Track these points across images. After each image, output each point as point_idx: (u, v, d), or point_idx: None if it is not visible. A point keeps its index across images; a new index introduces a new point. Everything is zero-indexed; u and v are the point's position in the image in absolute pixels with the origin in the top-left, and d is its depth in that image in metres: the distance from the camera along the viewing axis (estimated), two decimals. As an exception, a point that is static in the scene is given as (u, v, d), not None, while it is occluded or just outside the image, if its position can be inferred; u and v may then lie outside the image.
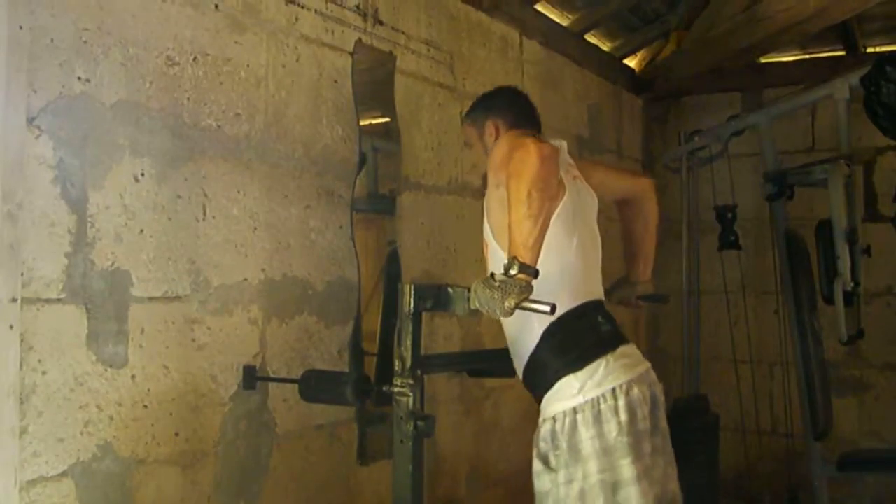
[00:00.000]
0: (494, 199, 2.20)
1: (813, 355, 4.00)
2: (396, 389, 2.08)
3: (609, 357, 2.18)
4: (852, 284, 3.77)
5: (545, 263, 1.95)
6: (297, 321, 2.69)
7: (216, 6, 2.43)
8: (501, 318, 2.18)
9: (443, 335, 3.38)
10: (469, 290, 1.96)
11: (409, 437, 2.07)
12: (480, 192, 2.44)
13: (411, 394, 2.07)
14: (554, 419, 2.16)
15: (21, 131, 1.88)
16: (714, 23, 4.76)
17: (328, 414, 2.77)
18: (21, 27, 1.86)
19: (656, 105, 5.52)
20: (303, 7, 2.73)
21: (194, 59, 2.36)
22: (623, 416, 2.12)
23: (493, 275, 1.89)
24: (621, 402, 2.13)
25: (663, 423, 2.29)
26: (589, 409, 2.12)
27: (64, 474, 2.00)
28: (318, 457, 2.78)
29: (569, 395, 2.15)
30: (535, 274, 1.89)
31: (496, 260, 2.21)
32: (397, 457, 2.10)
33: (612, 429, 2.11)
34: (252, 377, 2.49)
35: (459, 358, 3.22)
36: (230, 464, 2.45)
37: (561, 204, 2.20)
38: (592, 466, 2.11)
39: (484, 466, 3.65)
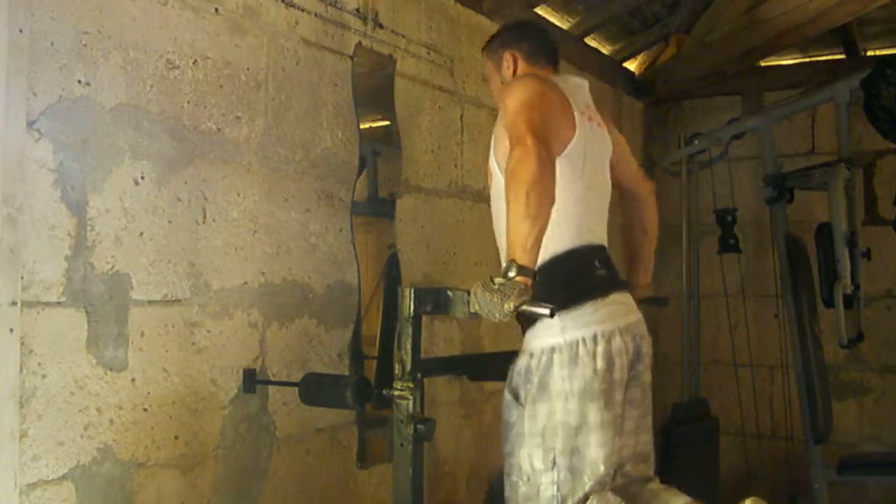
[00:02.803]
0: (503, 130, 2.16)
1: (813, 358, 4.00)
2: (396, 393, 2.08)
3: (598, 302, 2.18)
4: (852, 288, 3.77)
5: None
6: (297, 324, 2.69)
7: (216, 9, 2.43)
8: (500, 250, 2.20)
9: (443, 338, 3.38)
10: (469, 293, 1.96)
11: (409, 440, 2.06)
12: (482, 196, 2.43)
13: (411, 397, 2.06)
14: (531, 354, 2.17)
15: (21, 135, 1.89)
16: (714, 26, 4.77)
17: (328, 417, 2.77)
18: (21, 30, 1.86)
19: (656, 108, 5.52)
20: (303, 10, 2.73)
21: (194, 62, 2.36)
22: (600, 363, 2.12)
23: (492, 278, 1.89)
24: (600, 349, 2.13)
25: (645, 376, 2.29)
26: (567, 349, 2.12)
27: (64, 477, 2.00)
28: (318, 460, 2.78)
29: (550, 333, 2.14)
30: (534, 276, 1.88)
31: (500, 188, 2.18)
32: (397, 460, 2.10)
33: (586, 373, 2.11)
34: (252, 380, 2.49)
35: (459, 361, 3.22)
36: (230, 467, 2.45)
37: (571, 144, 2.19)
38: (558, 406, 2.11)
39: (484, 470, 3.64)
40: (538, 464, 2.13)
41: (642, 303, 2.76)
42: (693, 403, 4.60)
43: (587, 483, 2.10)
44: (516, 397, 2.20)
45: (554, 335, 2.14)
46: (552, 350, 2.14)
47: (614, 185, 2.55)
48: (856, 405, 4.90)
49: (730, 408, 4.75)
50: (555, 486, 2.11)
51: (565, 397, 2.11)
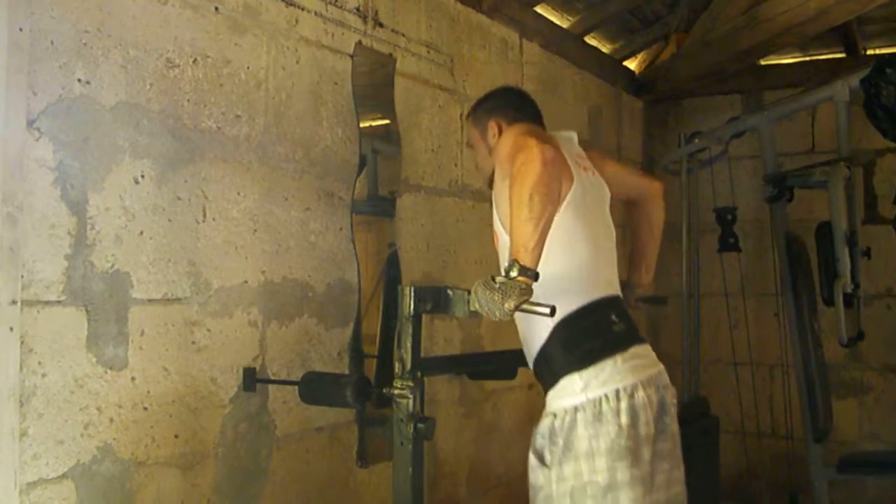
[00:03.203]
0: (502, 190, 2.14)
1: (813, 357, 4.00)
2: (396, 391, 2.08)
3: (618, 357, 2.15)
4: (852, 286, 3.77)
5: (556, 258, 1.93)
6: (297, 323, 2.69)
7: (216, 8, 2.43)
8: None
9: (443, 337, 3.38)
10: (469, 292, 1.96)
11: (409, 439, 2.07)
12: (482, 195, 2.42)
13: (411, 396, 2.06)
14: (554, 415, 2.15)
15: (21, 134, 1.89)
16: (714, 25, 4.76)
17: (328, 416, 2.77)
18: (21, 29, 1.86)
19: (656, 107, 5.52)
20: (303, 9, 2.73)
21: (194, 60, 2.36)
22: (624, 419, 2.09)
23: (493, 277, 1.89)
24: (623, 405, 2.10)
25: (673, 427, 2.25)
26: (590, 408, 2.10)
27: (64, 476, 2.00)
28: (317, 459, 2.78)
29: (572, 392, 2.12)
30: (536, 276, 1.88)
31: (506, 250, 2.17)
32: (397, 459, 2.10)
33: (611, 430, 2.08)
34: (252, 379, 2.49)
35: (459, 360, 3.23)
36: (230, 466, 2.45)
37: (570, 194, 2.17)
38: (585, 466, 2.09)
39: (484, 469, 3.65)
40: None
41: (642, 301, 2.76)
42: (693, 402, 4.59)
43: None
44: (541, 460, 2.17)
45: (576, 394, 2.12)
46: (575, 409, 2.11)
47: (622, 201, 2.57)
48: (856, 404, 4.90)
49: (730, 406, 4.74)
50: None
51: (592, 457, 2.08)
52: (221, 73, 2.45)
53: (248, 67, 2.53)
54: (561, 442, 2.12)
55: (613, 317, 2.23)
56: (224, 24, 2.46)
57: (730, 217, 4.55)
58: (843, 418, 4.63)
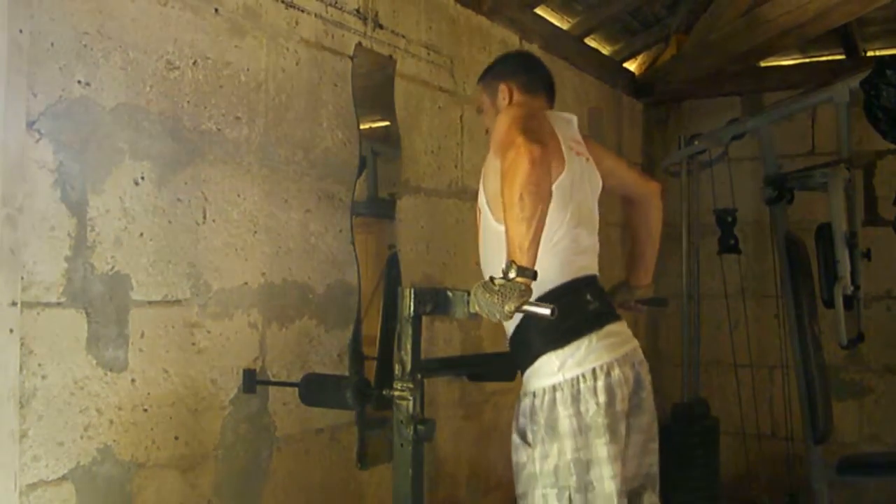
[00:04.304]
0: (492, 167, 2.17)
1: (813, 359, 4.00)
2: (396, 393, 2.08)
3: (593, 336, 2.18)
4: (852, 288, 3.77)
5: None
6: (298, 325, 2.69)
7: (216, 10, 2.43)
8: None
9: (443, 339, 3.38)
10: (469, 293, 1.96)
11: (410, 440, 2.06)
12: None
13: (411, 398, 2.06)
14: (534, 395, 2.19)
15: (21, 135, 1.88)
16: (714, 26, 4.77)
17: (328, 418, 2.77)
18: (21, 31, 1.86)
19: (656, 109, 5.52)
20: (303, 11, 2.73)
21: (194, 62, 2.36)
22: (601, 398, 2.13)
23: (492, 278, 1.90)
24: (601, 383, 2.14)
25: (648, 402, 2.30)
26: (568, 388, 2.14)
27: (64, 478, 2.00)
28: (318, 461, 2.78)
29: (549, 372, 2.16)
30: (534, 276, 1.89)
31: (487, 226, 2.25)
32: (397, 460, 2.10)
33: (589, 409, 2.12)
34: (252, 381, 2.49)
35: (459, 362, 3.22)
36: (230, 467, 2.45)
37: (559, 179, 2.18)
38: (568, 444, 2.13)
39: (484, 470, 3.65)
40: (553, 503, 2.15)
41: (642, 303, 2.77)
42: (693, 403, 4.60)
43: None
44: (524, 438, 2.21)
45: (553, 374, 2.16)
46: (553, 389, 2.15)
47: (616, 191, 2.59)
48: (856, 405, 4.90)
49: (730, 408, 4.74)
50: None
51: (573, 435, 2.13)
52: (221, 75, 2.45)
53: (247, 69, 2.53)
54: (542, 421, 2.16)
55: (588, 296, 2.26)
56: (224, 26, 2.46)
57: (730, 219, 4.55)
58: (843, 420, 4.63)
